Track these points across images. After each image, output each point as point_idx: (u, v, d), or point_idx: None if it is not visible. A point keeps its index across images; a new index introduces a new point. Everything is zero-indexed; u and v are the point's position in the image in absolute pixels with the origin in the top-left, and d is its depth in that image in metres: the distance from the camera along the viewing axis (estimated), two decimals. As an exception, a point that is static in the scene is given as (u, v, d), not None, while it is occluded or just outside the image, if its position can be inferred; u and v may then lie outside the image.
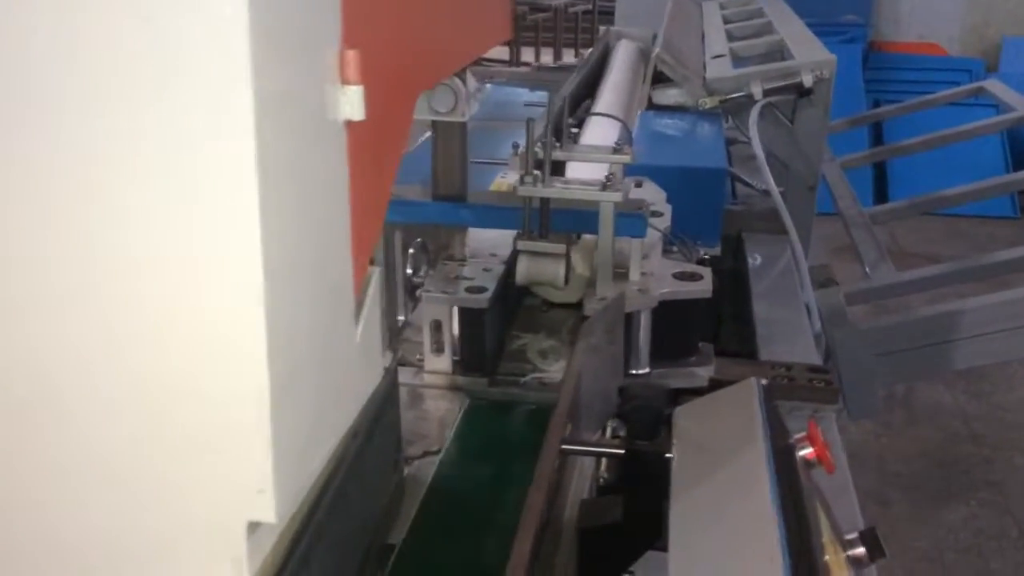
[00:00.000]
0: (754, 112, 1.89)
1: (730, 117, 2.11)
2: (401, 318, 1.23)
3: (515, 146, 1.17)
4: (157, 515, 0.56)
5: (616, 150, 1.21)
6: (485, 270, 1.17)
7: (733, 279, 1.70)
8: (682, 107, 2.05)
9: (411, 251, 1.22)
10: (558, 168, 1.29)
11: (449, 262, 1.21)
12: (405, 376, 1.12)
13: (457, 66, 0.98)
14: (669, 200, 1.41)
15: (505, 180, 1.50)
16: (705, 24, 2.79)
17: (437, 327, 1.12)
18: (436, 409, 1.09)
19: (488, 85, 2.86)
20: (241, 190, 0.50)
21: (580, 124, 1.89)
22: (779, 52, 2.28)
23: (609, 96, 2.05)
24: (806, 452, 0.71)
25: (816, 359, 1.42)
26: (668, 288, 1.15)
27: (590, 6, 5.21)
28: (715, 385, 0.93)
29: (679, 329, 1.17)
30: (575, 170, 1.35)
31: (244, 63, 0.48)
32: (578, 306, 1.21)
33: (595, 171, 1.24)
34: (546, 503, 0.69)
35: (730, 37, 2.52)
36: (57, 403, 0.55)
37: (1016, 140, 5.53)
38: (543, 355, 1.16)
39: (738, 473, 0.67)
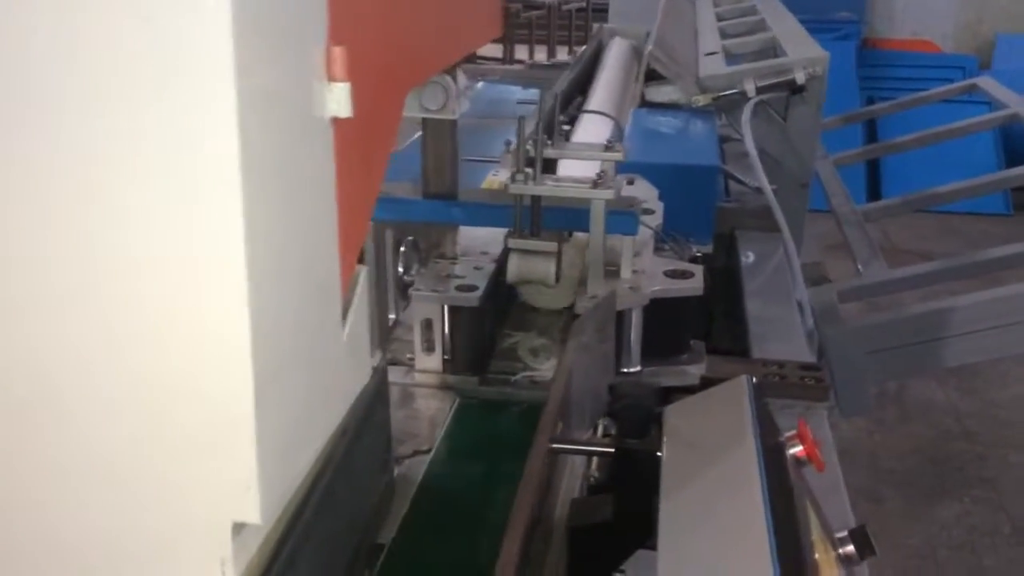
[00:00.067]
0: (747, 109, 1.89)
1: (723, 114, 2.11)
2: (392, 316, 1.23)
3: (507, 144, 1.16)
4: (143, 515, 0.56)
5: (608, 147, 1.21)
6: (476, 268, 1.17)
7: (726, 277, 1.70)
8: (675, 104, 2.05)
9: (402, 249, 1.22)
10: (550, 166, 1.29)
11: (440, 260, 1.21)
12: (396, 375, 1.12)
13: (447, 63, 0.98)
14: (662, 197, 1.41)
15: (497, 178, 1.50)
16: (698, 21, 2.79)
17: (428, 326, 1.12)
18: (427, 408, 1.08)
19: (481, 83, 2.85)
20: (224, 188, 0.50)
21: (572, 122, 1.89)
22: (772, 49, 2.28)
23: (601, 94, 2.05)
24: (796, 450, 0.71)
25: (808, 357, 1.42)
26: (659, 286, 1.15)
27: (584, 3, 5.21)
28: (707, 383, 0.93)
29: (671, 327, 1.17)
30: (567, 168, 1.35)
31: (227, 61, 0.48)
32: (569, 306, 1.21)
33: (587, 169, 1.23)
34: (535, 502, 0.69)
35: (723, 34, 2.52)
36: (39, 403, 0.54)
37: (1009, 137, 5.54)
38: (534, 353, 1.16)
39: (728, 471, 0.66)
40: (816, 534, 0.66)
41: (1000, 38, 6.46)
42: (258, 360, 0.52)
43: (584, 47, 3.09)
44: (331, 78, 0.60)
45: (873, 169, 5.65)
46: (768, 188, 1.79)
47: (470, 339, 1.12)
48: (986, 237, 5.00)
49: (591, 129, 1.82)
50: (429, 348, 1.13)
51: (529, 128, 1.14)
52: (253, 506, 0.54)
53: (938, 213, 5.00)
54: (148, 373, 0.53)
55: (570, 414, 0.88)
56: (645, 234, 1.25)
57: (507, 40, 4.90)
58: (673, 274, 1.18)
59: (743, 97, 1.95)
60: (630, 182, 1.45)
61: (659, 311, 1.14)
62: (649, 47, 2.09)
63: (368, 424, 0.77)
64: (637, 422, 0.79)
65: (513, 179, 1.12)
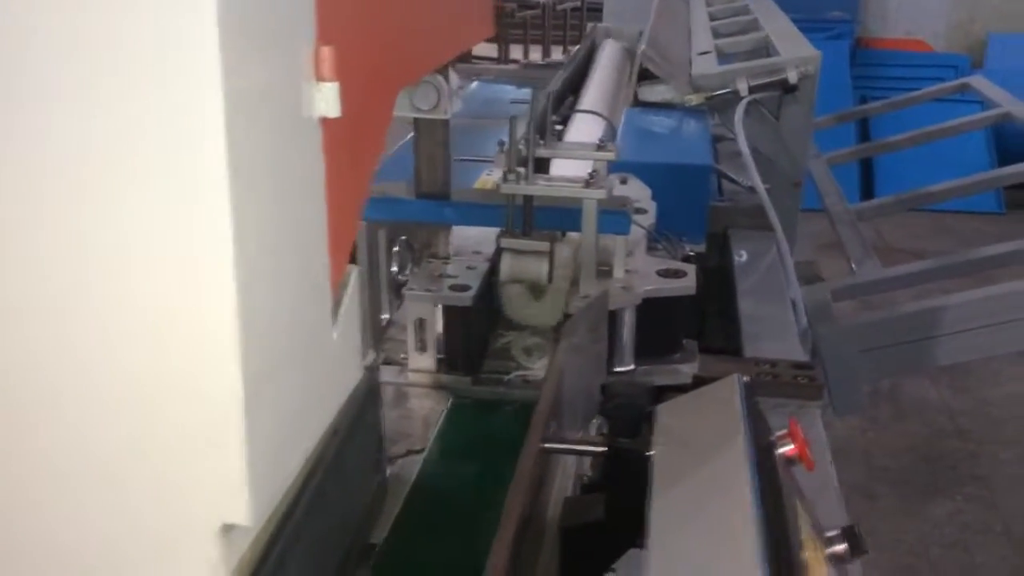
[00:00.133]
0: (739, 109, 1.89)
1: (716, 114, 2.11)
2: (386, 316, 1.22)
3: (501, 143, 1.16)
4: (131, 516, 0.56)
5: (600, 147, 1.21)
6: (469, 268, 1.17)
7: (719, 276, 1.70)
8: (669, 104, 2.05)
9: (396, 249, 1.21)
10: (543, 165, 1.29)
11: (433, 260, 1.21)
12: (389, 375, 1.12)
13: (438, 63, 0.98)
14: (654, 197, 1.41)
15: (491, 178, 1.50)
16: (691, 20, 2.79)
17: (421, 325, 1.12)
18: (420, 408, 1.08)
19: (476, 82, 2.85)
20: (212, 188, 0.50)
21: (565, 121, 1.89)
22: (765, 49, 2.28)
23: (594, 93, 2.05)
24: (786, 449, 0.71)
25: (802, 355, 1.42)
26: (652, 285, 1.15)
27: (579, 3, 5.20)
28: (699, 382, 0.93)
29: (663, 326, 1.17)
30: (559, 167, 1.35)
31: (214, 60, 0.48)
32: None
33: (579, 168, 1.23)
34: (527, 503, 0.69)
35: (716, 34, 2.52)
36: (24, 403, 0.54)
37: (1001, 136, 5.56)
38: (527, 352, 1.16)
39: (718, 470, 0.66)
40: (806, 533, 0.66)
41: (992, 37, 6.48)
42: (247, 361, 0.52)
43: (577, 47, 3.09)
44: (320, 78, 0.60)
45: (866, 168, 5.66)
46: (761, 187, 1.79)
47: (463, 339, 1.12)
48: (979, 235, 5.01)
49: (584, 128, 1.82)
50: (422, 348, 1.13)
51: (522, 128, 1.13)
52: (243, 508, 0.54)
53: (931, 212, 5.01)
54: (136, 374, 0.53)
55: (562, 414, 0.88)
56: (638, 233, 1.25)
57: (502, 40, 4.90)
58: (666, 273, 1.18)
59: (736, 96, 1.95)
60: (623, 181, 1.45)
61: (652, 310, 1.14)
62: (642, 46, 2.10)
63: (360, 424, 0.77)
64: (628, 421, 0.79)
65: (505, 179, 1.12)
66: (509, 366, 1.14)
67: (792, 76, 1.92)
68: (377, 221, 1.17)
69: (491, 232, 1.19)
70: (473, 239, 1.24)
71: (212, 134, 0.49)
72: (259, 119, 0.53)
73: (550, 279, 1.14)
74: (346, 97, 0.61)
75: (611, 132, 1.82)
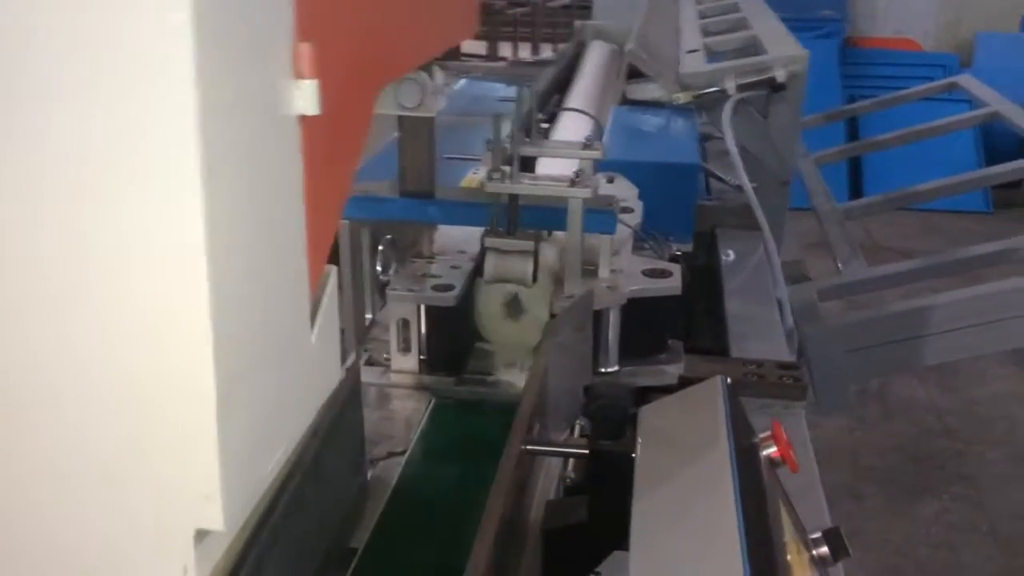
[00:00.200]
0: (727, 107, 1.88)
1: (704, 112, 2.11)
2: (369, 316, 1.21)
3: (487, 142, 1.15)
4: (102, 521, 0.55)
5: (586, 146, 1.20)
6: (453, 268, 1.16)
7: (706, 275, 1.69)
8: (657, 102, 2.05)
9: (380, 248, 1.20)
10: (529, 164, 1.28)
11: (417, 260, 1.20)
12: (371, 376, 1.11)
13: (420, 60, 0.97)
14: (641, 196, 1.40)
15: (477, 176, 1.49)
16: (680, 19, 2.79)
17: (404, 326, 1.11)
18: (402, 409, 1.07)
19: (464, 80, 2.84)
20: (185, 187, 0.49)
21: (552, 119, 1.88)
22: (753, 47, 2.28)
23: (581, 91, 2.04)
24: (770, 451, 0.70)
25: (788, 355, 1.42)
26: (637, 285, 1.14)
27: (568, 0, 5.19)
28: (684, 383, 0.92)
29: (649, 326, 1.17)
30: (545, 166, 1.34)
31: (188, 58, 0.47)
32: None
33: (565, 167, 1.22)
34: (508, 505, 0.68)
35: (705, 32, 2.51)
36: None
37: (989, 135, 5.58)
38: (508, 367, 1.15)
39: (700, 472, 0.66)
40: (789, 535, 0.66)
41: (980, 37, 6.51)
42: (220, 362, 0.51)
43: (565, 44, 3.08)
44: (298, 75, 0.59)
45: (854, 167, 5.67)
46: (748, 186, 1.79)
47: (446, 339, 1.11)
48: (967, 235, 5.03)
49: (570, 127, 1.81)
50: (406, 348, 1.12)
51: (507, 126, 1.12)
52: (216, 513, 0.53)
53: (920, 211, 5.03)
54: (106, 376, 0.52)
55: (546, 415, 0.87)
56: (624, 232, 1.24)
57: (491, 37, 4.89)
58: (652, 273, 1.17)
59: (724, 95, 1.94)
60: (610, 180, 1.45)
61: (637, 310, 1.14)
62: (630, 44, 2.09)
63: (340, 426, 0.76)
64: (612, 423, 0.79)
65: (490, 177, 1.11)
66: (492, 367, 1.13)
67: (780, 75, 1.92)
68: (360, 220, 1.16)
69: (476, 231, 1.18)
70: (458, 238, 1.24)
71: (185, 133, 0.48)
72: (235, 117, 0.52)
73: (534, 279, 1.13)
74: (325, 94, 0.60)
75: (598, 131, 1.81)
